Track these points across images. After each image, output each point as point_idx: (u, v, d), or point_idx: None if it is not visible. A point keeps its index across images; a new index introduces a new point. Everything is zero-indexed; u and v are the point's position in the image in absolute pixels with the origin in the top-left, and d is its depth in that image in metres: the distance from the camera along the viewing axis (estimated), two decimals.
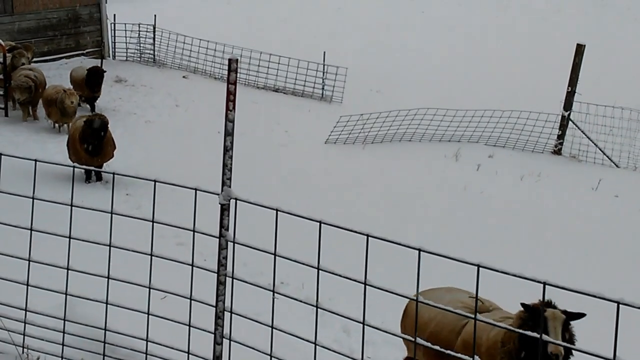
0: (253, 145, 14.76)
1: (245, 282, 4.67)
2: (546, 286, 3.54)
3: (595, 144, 17.57)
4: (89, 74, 15.78)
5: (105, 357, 5.25)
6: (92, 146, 11.44)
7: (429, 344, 4.19)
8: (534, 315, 4.97)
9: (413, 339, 4.05)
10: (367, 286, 4.19)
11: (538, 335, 3.67)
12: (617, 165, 17.36)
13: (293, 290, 7.51)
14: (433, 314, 5.65)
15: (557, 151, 17.85)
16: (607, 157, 17.45)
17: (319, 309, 4.44)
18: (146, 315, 5.07)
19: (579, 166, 17.07)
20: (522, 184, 14.99)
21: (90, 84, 15.80)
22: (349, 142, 16.66)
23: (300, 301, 4.54)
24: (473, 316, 3.79)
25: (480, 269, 3.73)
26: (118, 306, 5.12)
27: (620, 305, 3.32)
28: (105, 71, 16.27)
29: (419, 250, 3.90)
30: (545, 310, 4.86)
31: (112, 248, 5.09)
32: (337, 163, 14.93)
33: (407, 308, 6.08)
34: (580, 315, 4.92)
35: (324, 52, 21.13)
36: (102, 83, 16.14)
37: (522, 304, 5.02)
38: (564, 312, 4.95)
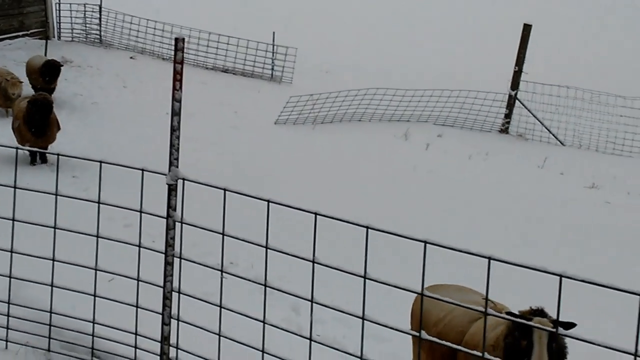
0: (202, 127, 14.66)
1: (193, 262, 4.65)
2: (491, 261, 3.60)
3: (541, 123, 17.83)
4: (45, 65, 15.19)
5: (51, 340, 5.20)
6: (37, 127, 11.21)
7: (435, 339, 4.10)
8: (520, 324, 4.51)
9: (417, 335, 3.98)
10: (315, 264, 4.20)
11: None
12: (562, 144, 17.64)
13: (242, 271, 7.45)
14: (442, 315, 5.27)
15: (505, 130, 18.07)
16: (553, 135, 17.72)
17: (267, 288, 4.44)
18: (92, 297, 5.02)
19: (525, 144, 17.31)
20: (470, 162, 15.15)
21: (45, 76, 15.18)
22: (299, 123, 16.65)
23: (249, 280, 4.54)
24: (484, 310, 3.74)
25: (428, 244, 3.77)
26: (64, 288, 5.06)
27: (564, 280, 3.40)
28: (62, 65, 15.68)
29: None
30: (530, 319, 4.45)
31: (57, 230, 5.03)
32: (286, 143, 14.91)
33: (413, 307, 5.64)
34: (570, 325, 4.39)
35: (274, 33, 21.03)
36: (59, 76, 15.47)
37: (508, 313, 4.54)
38: (554, 321, 4.45)
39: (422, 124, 17.58)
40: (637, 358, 3.26)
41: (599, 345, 3.36)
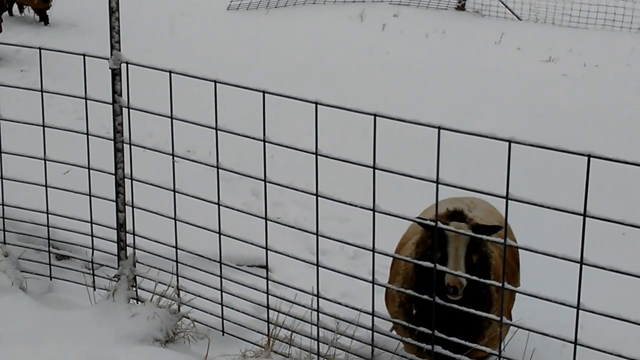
0: (149, 13, 14.31)
1: (143, 147, 4.60)
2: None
3: None
4: None
5: (6, 233, 5.17)
6: None
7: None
8: (432, 232, 3.90)
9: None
10: (266, 143, 4.17)
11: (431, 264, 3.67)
12: (519, 18, 17.53)
13: (200, 158, 7.45)
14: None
15: (461, 7, 17.88)
16: (510, 10, 17.58)
17: (221, 170, 4.42)
18: (44, 187, 4.97)
19: (482, 21, 17.17)
20: (427, 41, 15.03)
21: None
22: (252, 8, 16.31)
23: (200, 162, 4.51)
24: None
25: (377, 117, 3.74)
26: (13, 180, 5.00)
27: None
28: None
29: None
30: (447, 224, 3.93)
31: (3, 123, 4.95)
32: (239, 29, 14.63)
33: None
34: (493, 229, 3.91)
35: None
36: None
37: (417, 219, 3.99)
38: (474, 226, 3.97)
39: (377, 4, 17.31)
40: (586, 218, 3.31)
41: (540, 252, 3.41)
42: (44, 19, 13.28)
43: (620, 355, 3.39)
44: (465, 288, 3.85)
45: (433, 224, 3.81)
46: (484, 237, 3.81)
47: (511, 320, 4.29)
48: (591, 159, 3.24)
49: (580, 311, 3.46)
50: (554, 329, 3.65)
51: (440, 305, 3.83)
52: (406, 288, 4.09)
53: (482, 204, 4.70)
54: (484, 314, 3.83)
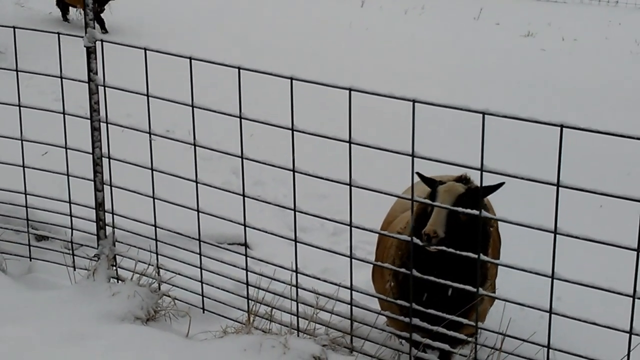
0: None
1: (121, 126, 4.58)
2: (416, 104, 3.60)
3: None
4: None
5: None
6: None
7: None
8: (431, 188, 4.02)
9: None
10: (242, 120, 4.16)
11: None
12: None
13: (179, 138, 7.44)
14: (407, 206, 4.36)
15: None
16: None
17: (198, 147, 4.42)
18: (22, 168, 4.95)
19: None
20: (406, 17, 15.04)
21: None
22: None
23: (177, 140, 4.51)
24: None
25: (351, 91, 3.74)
26: None
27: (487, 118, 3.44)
28: None
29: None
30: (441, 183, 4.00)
31: None
32: (216, 6, 14.54)
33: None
34: (489, 190, 3.87)
35: None
36: None
37: (418, 174, 4.01)
38: (471, 188, 3.97)
39: None
40: (560, 189, 3.35)
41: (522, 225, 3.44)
42: (100, 24, 11.90)
43: (595, 323, 3.44)
44: (459, 263, 3.81)
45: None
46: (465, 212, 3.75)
47: (495, 292, 4.34)
48: (564, 129, 3.27)
49: (557, 283, 3.50)
50: (531, 299, 3.70)
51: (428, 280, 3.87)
52: (400, 263, 4.13)
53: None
54: (461, 286, 3.84)
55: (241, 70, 4.11)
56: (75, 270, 4.99)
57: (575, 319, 3.49)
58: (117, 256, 4.80)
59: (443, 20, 14.83)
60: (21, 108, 4.81)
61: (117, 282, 4.70)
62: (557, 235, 3.42)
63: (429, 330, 3.98)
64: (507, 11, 15.82)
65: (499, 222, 4.44)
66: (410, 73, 10.91)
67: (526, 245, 4.90)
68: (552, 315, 3.57)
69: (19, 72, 4.77)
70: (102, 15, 11.87)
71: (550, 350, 3.66)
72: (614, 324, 3.46)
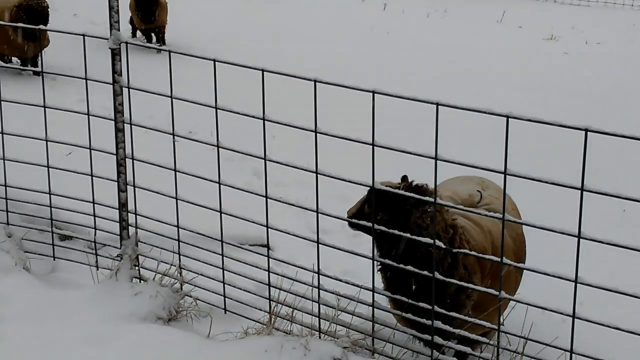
0: None
1: (144, 127, 4.61)
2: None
3: None
4: None
5: (9, 213, 5.20)
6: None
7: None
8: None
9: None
10: (265, 122, 4.18)
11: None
12: None
13: (202, 139, 7.48)
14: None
15: None
16: None
17: (221, 149, 4.44)
18: (46, 168, 4.99)
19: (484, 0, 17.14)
20: (429, 20, 15.02)
21: (142, 8, 11.62)
22: None
23: (199, 141, 4.53)
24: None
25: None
26: (16, 161, 5.02)
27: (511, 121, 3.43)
28: None
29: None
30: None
31: (3, 103, 4.96)
32: (240, 10, 14.61)
33: None
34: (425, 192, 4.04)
35: None
36: (159, 7, 11.74)
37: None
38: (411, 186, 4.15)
39: None
40: (583, 193, 3.33)
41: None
42: (159, 40, 11.91)
43: (618, 328, 3.42)
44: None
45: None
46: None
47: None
48: (589, 133, 3.25)
49: (580, 287, 3.48)
50: (553, 303, 3.68)
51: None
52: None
53: (492, 184, 4.74)
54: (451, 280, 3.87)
55: (265, 73, 4.12)
56: (98, 270, 5.02)
57: (598, 323, 3.47)
58: (139, 256, 4.82)
59: (466, 24, 14.79)
60: (46, 109, 4.85)
61: (140, 282, 4.73)
62: (580, 239, 3.40)
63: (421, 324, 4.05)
64: (530, 14, 15.76)
65: (524, 227, 4.43)
66: (433, 76, 10.90)
67: (549, 249, 4.87)
68: (575, 319, 3.55)
69: (43, 74, 4.81)
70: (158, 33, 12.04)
71: (573, 354, 3.64)
72: (637, 329, 3.44)
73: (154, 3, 11.58)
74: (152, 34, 11.96)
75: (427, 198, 3.95)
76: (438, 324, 3.97)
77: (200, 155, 5.49)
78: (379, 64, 11.49)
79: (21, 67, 8.78)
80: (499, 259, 3.72)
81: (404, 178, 4.24)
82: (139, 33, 12.07)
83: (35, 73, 8.54)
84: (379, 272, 4.33)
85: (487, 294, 3.89)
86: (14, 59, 9.31)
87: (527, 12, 15.98)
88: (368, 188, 4.15)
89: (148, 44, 3.89)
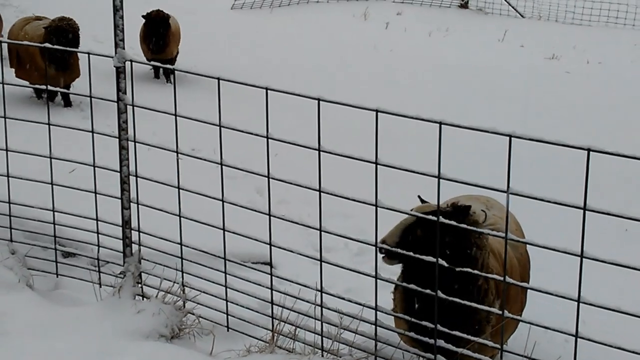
0: None
1: (148, 145, 4.63)
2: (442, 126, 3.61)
3: None
4: (147, 22, 10.81)
5: (13, 230, 5.20)
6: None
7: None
8: None
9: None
10: (269, 140, 4.20)
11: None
12: (522, 16, 17.56)
13: (205, 157, 7.51)
14: None
15: (464, 5, 17.92)
16: (513, 7, 17.62)
17: (224, 166, 4.45)
18: (50, 185, 5.01)
19: (485, 18, 17.22)
20: (431, 39, 15.07)
21: (151, 38, 10.60)
22: (256, 7, 16.37)
23: (204, 159, 4.54)
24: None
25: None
26: (20, 178, 5.03)
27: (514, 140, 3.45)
28: (169, 16, 11.05)
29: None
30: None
31: (9, 121, 4.99)
32: (244, 28, 14.68)
33: None
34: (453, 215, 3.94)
35: None
36: (170, 38, 10.89)
37: (419, 197, 4.31)
38: (443, 211, 3.95)
39: (380, 3, 17.37)
40: (586, 212, 3.34)
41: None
42: (166, 76, 10.38)
43: (621, 348, 3.42)
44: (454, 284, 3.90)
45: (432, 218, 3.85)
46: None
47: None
48: (591, 153, 3.27)
49: (582, 306, 3.48)
50: (556, 323, 3.68)
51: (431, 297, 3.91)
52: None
53: (497, 204, 4.74)
54: (478, 306, 3.84)
55: (268, 91, 4.14)
56: (101, 287, 5.03)
57: (601, 343, 3.47)
58: (142, 274, 4.83)
59: (467, 42, 14.85)
60: (50, 126, 4.87)
61: (142, 299, 4.73)
62: (583, 259, 3.41)
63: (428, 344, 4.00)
64: (532, 33, 15.82)
65: (528, 246, 4.43)
66: (435, 95, 10.94)
67: (551, 268, 4.88)
68: (578, 339, 3.55)
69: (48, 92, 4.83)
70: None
71: None
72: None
73: (166, 28, 10.77)
74: (160, 70, 10.39)
75: (497, 234, 3.78)
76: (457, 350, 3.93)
77: (203, 173, 5.51)
78: (382, 81, 11.54)
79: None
80: (509, 280, 3.72)
81: (420, 199, 4.24)
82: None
83: (50, 97, 7.82)
84: (391, 293, 4.29)
85: (496, 316, 3.89)
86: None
87: (529, 31, 16.05)
88: (412, 212, 4.00)
89: (153, 63, 3.92)
